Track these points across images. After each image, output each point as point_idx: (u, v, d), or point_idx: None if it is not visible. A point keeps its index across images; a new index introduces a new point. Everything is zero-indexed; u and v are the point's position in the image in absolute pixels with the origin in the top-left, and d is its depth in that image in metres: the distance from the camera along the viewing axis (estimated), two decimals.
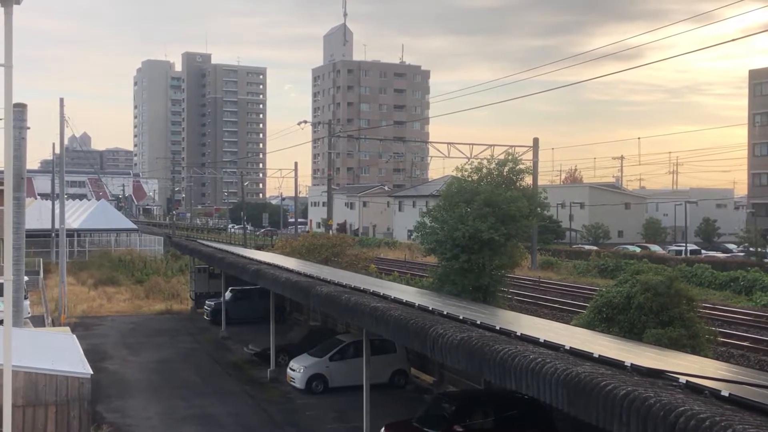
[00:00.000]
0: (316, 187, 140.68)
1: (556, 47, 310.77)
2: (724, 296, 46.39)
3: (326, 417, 20.99)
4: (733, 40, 72.46)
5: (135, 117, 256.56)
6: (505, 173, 29.00)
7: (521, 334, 12.58)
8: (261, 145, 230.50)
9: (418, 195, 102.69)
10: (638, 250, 74.49)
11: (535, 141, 63.02)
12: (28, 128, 24.37)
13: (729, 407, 8.17)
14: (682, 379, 9.35)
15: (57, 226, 43.85)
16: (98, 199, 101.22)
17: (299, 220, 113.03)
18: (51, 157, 75.38)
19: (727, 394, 8.60)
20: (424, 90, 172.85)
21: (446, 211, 27.85)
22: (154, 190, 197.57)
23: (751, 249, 70.76)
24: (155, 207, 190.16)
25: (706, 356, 18.52)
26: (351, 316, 17.23)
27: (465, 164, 31.28)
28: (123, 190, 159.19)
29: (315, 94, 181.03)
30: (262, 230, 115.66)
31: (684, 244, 77.66)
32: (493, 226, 26.17)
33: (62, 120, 36.00)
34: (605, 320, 21.38)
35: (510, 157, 30.28)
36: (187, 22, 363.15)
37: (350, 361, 23.01)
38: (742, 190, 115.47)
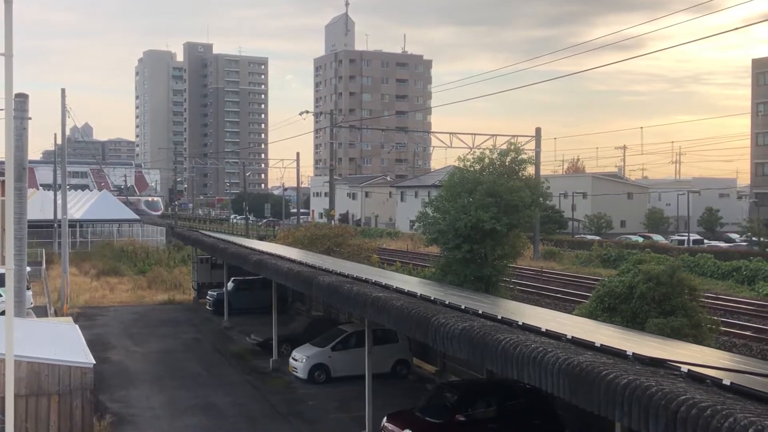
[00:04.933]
0: (318, 178, 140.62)
1: (557, 37, 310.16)
2: (727, 286, 46.37)
3: (329, 407, 21.04)
4: (734, 29, 72.35)
5: (137, 107, 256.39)
6: (507, 163, 28.92)
7: (523, 323, 12.59)
8: (263, 135, 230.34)
9: (421, 185, 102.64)
10: (641, 239, 74.44)
11: (538, 131, 62.92)
12: (30, 119, 24.34)
13: (731, 396, 8.18)
14: (684, 368, 9.36)
15: (59, 216, 43.85)
16: (100, 189, 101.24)
17: (301, 210, 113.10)
18: (53, 148, 75.38)
19: (728, 383, 8.60)
20: (426, 80, 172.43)
21: (448, 201, 27.81)
22: (156, 181, 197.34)
23: (753, 239, 70.70)
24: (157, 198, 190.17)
25: (708, 346, 18.50)
26: (353, 306, 17.25)
27: (467, 154, 31.16)
28: (125, 181, 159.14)
29: (317, 85, 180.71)
30: (264, 221, 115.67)
31: (686, 234, 77.59)
32: (496, 216, 26.14)
33: (64, 110, 35.98)
34: (607, 310, 21.38)
35: (512, 147, 30.15)
36: (189, 13, 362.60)
37: (352, 351, 23.06)
38: (744, 179, 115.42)
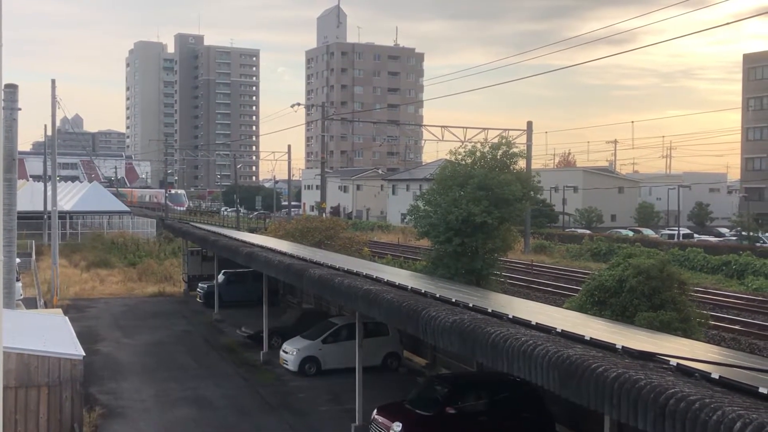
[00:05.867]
0: (310, 170, 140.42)
1: (549, 31, 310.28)
2: (716, 280, 46.60)
3: (319, 399, 21.06)
4: (725, 24, 72.51)
5: (127, 99, 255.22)
6: (498, 157, 28.93)
7: (513, 316, 12.62)
8: (254, 127, 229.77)
9: (412, 178, 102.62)
10: (631, 234, 74.71)
11: (529, 125, 62.94)
12: (20, 109, 24.20)
13: (719, 389, 8.22)
14: (673, 361, 9.40)
15: (49, 208, 43.69)
16: (90, 181, 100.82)
17: (292, 203, 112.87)
18: (43, 139, 75.00)
19: (717, 377, 8.65)
20: (418, 73, 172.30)
21: (440, 194, 27.83)
22: (147, 173, 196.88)
23: (743, 233, 71.07)
24: None
25: (697, 339, 18.60)
26: (344, 299, 17.27)
27: (459, 148, 31.17)
28: (115, 172, 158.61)
29: (308, 77, 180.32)
30: (255, 213, 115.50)
31: (677, 228, 77.89)
32: (487, 210, 26.17)
33: (54, 101, 35.79)
34: (597, 303, 21.45)
35: (504, 141, 30.17)
36: (180, 4, 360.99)
37: (343, 344, 23.07)
38: (735, 174, 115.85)
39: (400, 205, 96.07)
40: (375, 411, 16.78)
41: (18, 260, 28.70)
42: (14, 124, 23.39)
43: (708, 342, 22.62)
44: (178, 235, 47.39)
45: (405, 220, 79.53)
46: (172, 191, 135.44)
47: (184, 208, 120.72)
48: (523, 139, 60.57)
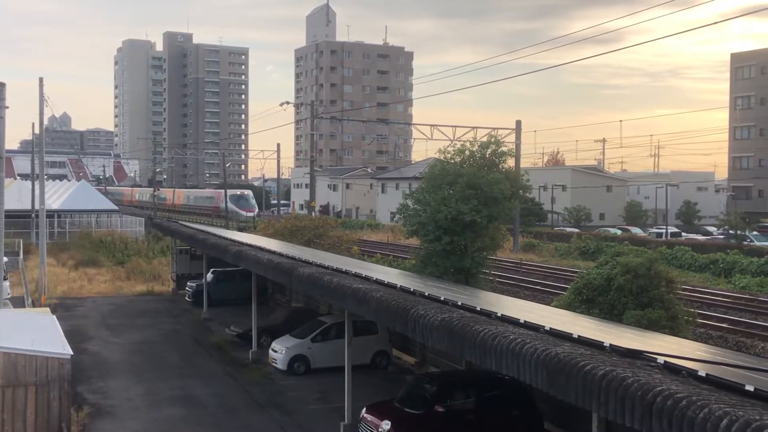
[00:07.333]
0: (299, 169, 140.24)
1: (537, 30, 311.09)
2: (704, 278, 46.79)
3: (308, 398, 21.05)
4: (712, 23, 72.80)
5: (116, 97, 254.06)
6: (487, 155, 28.99)
7: (502, 314, 12.64)
8: (243, 126, 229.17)
9: (401, 177, 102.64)
10: (619, 232, 74.93)
11: (518, 123, 63.06)
12: (7, 107, 24.09)
13: (706, 387, 8.26)
14: (660, 359, 9.44)
15: (37, 206, 43.49)
16: (79, 179, 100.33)
17: (282, 201, 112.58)
18: (31, 137, 74.59)
19: (704, 375, 8.69)
20: (407, 72, 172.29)
21: (429, 193, 27.85)
22: (135, 171, 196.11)
23: (731, 232, 71.40)
24: None
25: (684, 337, 18.68)
26: (333, 298, 17.26)
27: (448, 146, 31.25)
28: (104, 171, 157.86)
29: (298, 75, 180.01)
30: None
31: (664, 227, 78.21)
32: (476, 208, 26.21)
33: (42, 99, 35.62)
34: (585, 302, 21.51)
35: (493, 140, 30.25)
36: (169, 3, 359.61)
37: (332, 342, 23.07)
38: (722, 173, 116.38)
39: (389, 204, 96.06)
40: (364, 409, 16.79)
41: (5, 259, 28.52)
42: (1, 122, 23.27)
43: (695, 340, 22.73)
44: (166, 234, 47.25)
45: (394, 219, 79.54)
46: (237, 192, 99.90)
47: (255, 214, 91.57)
48: (512, 137, 60.70)
